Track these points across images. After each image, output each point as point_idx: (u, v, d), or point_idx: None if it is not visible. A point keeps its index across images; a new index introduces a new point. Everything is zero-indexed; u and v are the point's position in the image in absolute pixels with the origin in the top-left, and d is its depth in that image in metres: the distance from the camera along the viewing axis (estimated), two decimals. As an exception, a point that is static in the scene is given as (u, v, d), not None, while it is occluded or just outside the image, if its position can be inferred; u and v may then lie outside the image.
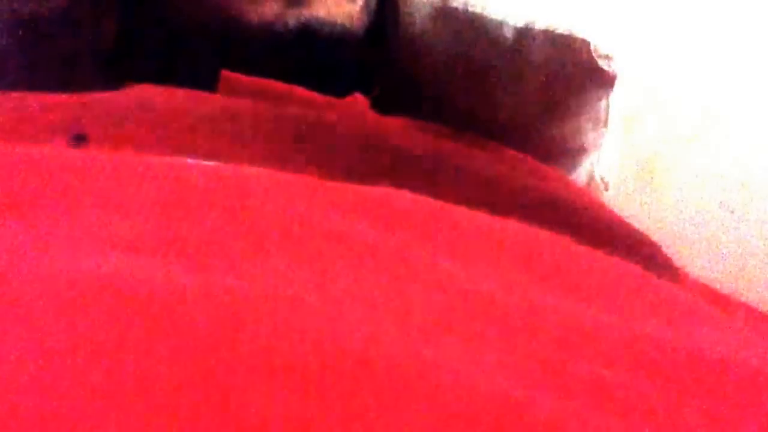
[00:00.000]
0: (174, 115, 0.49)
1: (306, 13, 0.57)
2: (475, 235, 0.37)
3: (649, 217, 0.68)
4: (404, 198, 0.39)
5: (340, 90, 0.59)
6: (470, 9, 0.64)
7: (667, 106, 0.95)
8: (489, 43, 0.63)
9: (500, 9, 0.63)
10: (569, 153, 0.68)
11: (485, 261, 0.35)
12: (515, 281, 0.33)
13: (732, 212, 0.93)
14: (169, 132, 0.46)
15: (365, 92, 0.62)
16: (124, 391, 0.20)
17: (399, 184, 0.44)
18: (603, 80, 0.63)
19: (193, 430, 0.20)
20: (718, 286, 0.61)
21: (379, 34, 0.66)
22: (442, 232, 0.36)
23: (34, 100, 0.49)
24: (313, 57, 0.57)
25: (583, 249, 0.41)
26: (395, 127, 0.59)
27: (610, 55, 0.62)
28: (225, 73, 0.55)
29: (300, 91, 0.56)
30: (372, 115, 0.60)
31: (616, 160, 0.75)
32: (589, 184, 0.72)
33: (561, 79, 0.62)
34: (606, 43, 0.62)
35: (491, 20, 0.63)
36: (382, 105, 0.63)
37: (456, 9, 0.64)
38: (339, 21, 0.59)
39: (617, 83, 0.64)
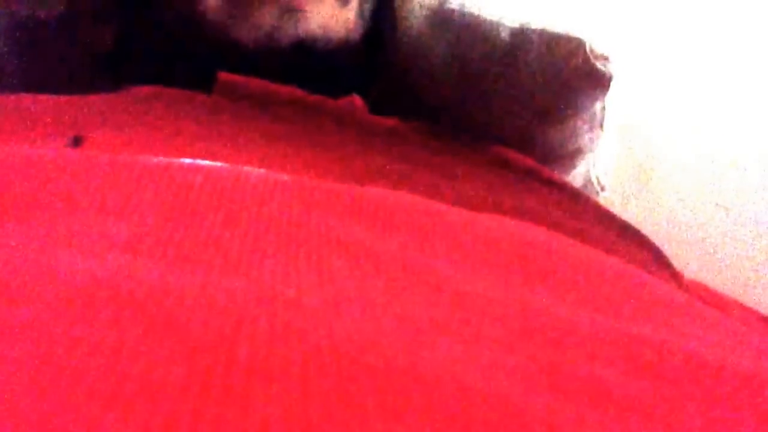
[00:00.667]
0: (171, 116, 0.49)
1: (301, 23, 0.57)
2: (472, 237, 0.37)
3: (645, 219, 0.68)
4: (401, 199, 0.39)
5: (337, 96, 0.59)
6: (466, 11, 0.64)
7: (663, 108, 0.96)
8: (485, 44, 0.63)
9: (496, 11, 0.63)
10: (565, 154, 0.68)
11: (482, 262, 0.35)
12: (512, 283, 0.33)
13: (728, 213, 0.93)
14: (166, 133, 0.46)
15: (362, 95, 0.62)
16: (124, 392, 0.20)
17: (396, 184, 0.45)
18: (599, 81, 0.63)
19: (193, 430, 0.20)
20: (714, 287, 0.61)
21: (375, 38, 0.66)
22: (439, 233, 0.36)
23: (32, 102, 0.49)
24: (309, 65, 0.57)
25: (580, 250, 0.41)
26: (392, 128, 0.59)
27: (606, 56, 0.62)
28: (221, 75, 0.55)
29: (296, 92, 0.56)
30: (369, 117, 0.60)
31: (613, 161, 0.75)
32: (585, 185, 0.72)
33: (557, 80, 0.62)
34: (602, 44, 0.62)
35: (487, 22, 0.63)
36: (379, 107, 0.63)
37: (452, 11, 0.64)
38: (334, 29, 0.59)
39: (613, 84, 0.64)
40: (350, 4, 0.61)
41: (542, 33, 0.62)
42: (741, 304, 0.59)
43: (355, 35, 0.61)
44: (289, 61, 0.57)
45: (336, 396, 0.21)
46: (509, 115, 0.64)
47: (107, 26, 0.65)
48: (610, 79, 0.63)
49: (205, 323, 0.23)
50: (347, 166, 0.47)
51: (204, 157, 0.39)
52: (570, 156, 0.68)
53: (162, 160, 0.36)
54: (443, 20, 0.64)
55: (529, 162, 0.62)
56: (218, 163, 0.38)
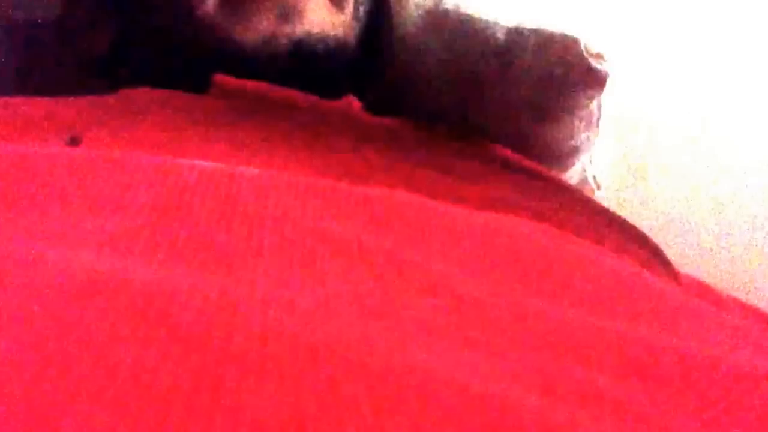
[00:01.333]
0: (167, 117, 0.49)
1: (298, 27, 0.57)
2: (468, 236, 0.37)
3: (641, 216, 0.68)
4: (398, 198, 0.39)
5: (333, 97, 0.59)
6: (461, 11, 0.64)
7: (659, 106, 0.96)
8: (480, 44, 0.63)
9: (491, 11, 0.64)
10: (561, 153, 0.68)
11: (478, 262, 0.35)
12: (507, 282, 0.33)
13: (724, 211, 0.93)
14: (163, 135, 0.46)
15: (358, 96, 0.62)
16: (114, 386, 0.20)
17: (393, 184, 0.45)
18: (595, 80, 0.63)
19: (186, 427, 0.20)
20: (711, 284, 0.61)
21: (371, 39, 0.66)
22: (435, 232, 0.36)
23: (27, 104, 0.49)
24: (306, 68, 0.57)
25: (576, 248, 0.41)
26: (389, 128, 0.60)
27: (601, 54, 0.62)
28: (218, 77, 0.55)
29: (292, 93, 0.56)
30: (365, 117, 0.60)
31: (609, 159, 0.75)
32: (581, 183, 0.72)
33: (552, 79, 0.62)
34: (597, 42, 0.62)
35: (482, 22, 0.63)
36: (376, 108, 0.63)
37: (447, 12, 0.64)
38: (330, 33, 0.59)
39: (609, 83, 0.64)
40: (346, 8, 0.61)
41: (537, 32, 0.62)
42: (738, 301, 0.59)
43: (351, 38, 0.61)
44: (286, 63, 0.57)
45: (329, 392, 0.21)
46: (505, 114, 0.64)
47: (103, 30, 0.65)
48: (605, 77, 0.63)
49: (198, 319, 0.23)
50: (344, 166, 0.47)
51: (201, 159, 0.39)
52: (566, 154, 0.68)
53: (156, 158, 0.36)
54: (438, 20, 0.64)
55: (525, 161, 0.62)
56: (214, 163, 0.38)
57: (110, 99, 0.52)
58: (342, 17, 0.60)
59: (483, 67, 0.63)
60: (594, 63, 0.62)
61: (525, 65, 0.62)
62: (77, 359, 0.21)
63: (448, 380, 0.23)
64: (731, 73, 0.95)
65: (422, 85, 0.66)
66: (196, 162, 0.37)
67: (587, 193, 0.71)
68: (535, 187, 0.55)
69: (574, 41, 0.61)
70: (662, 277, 0.49)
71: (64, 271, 0.25)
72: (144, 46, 0.62)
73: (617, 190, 0.88)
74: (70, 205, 0.32)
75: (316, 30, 0.57)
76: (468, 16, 0.64)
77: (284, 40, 0.56)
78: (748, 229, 0.93)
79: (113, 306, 0.23)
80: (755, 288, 0.88)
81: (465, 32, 0.63)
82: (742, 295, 0.60)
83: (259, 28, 0.56)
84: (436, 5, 0.65)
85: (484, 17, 0.63)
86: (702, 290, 0.58)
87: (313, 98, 0.57)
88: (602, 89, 0.64)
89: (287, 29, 0.56)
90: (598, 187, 0.73)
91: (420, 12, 0.65)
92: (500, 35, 0.63)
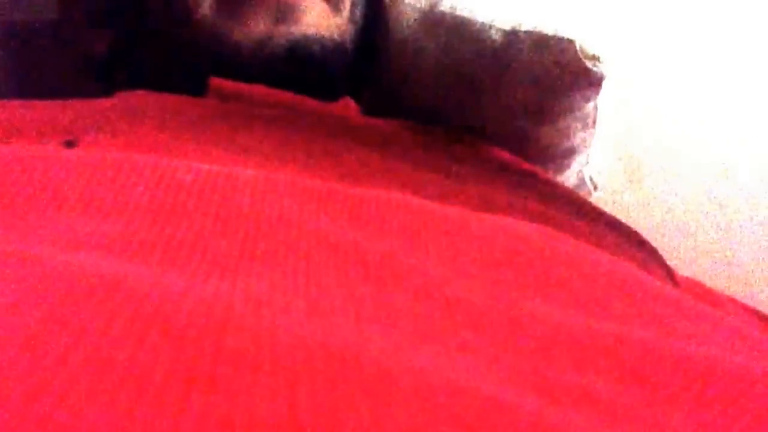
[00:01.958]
0: (165, 120, 0.49)
1: (294, 29, 0.57)
2: (464, 237, 0.37)
3: (638, 217, 0.68)
4: (394, 200, 0.39)
5: (329, 99, 0.59)
6: (457, 13, 0.64)
7: (656, 108, 0.96)
8: (477, 46, 0.63)
9: (488, 12, 0.64)
10: (558, 154, 0.68)
11: (473, 263, 0.35)
12: (503, 284, 0.33)
13: (721, 212, 0.93)
14: (160, 138, 0.46)
15: (355, 97, 0.62)
16: (108, 381, 0.20)
17: (389, 185, 0.45)
18: (591, 81, 0.63)
19: (179, 426, 0.20)
20: (708, 285, 0.61)
21: (367, 41, 0.66)
22: (431, 234, 0.36)
23: (25, 106, 0.49)
24: (302, 70, 0.57)
25: (572, 248, 0.41)
26: (385, 129, 0.60)
27: (597, 55, 0.62)
28: (214, 80, 0.55)
29: (289, 95, 0.56)
30: (362, 119, 0.60)
31: (606, 160, 0.75)
32: (578, 184, 0.72)
33: (549, 81, 0.62)
34: (593, 43, 0.62)
35: (479, 23, 0.63)
36: (372, 109, 0.63)
37: (444, 13, 0.64)
38: (326, 35, 0.59)
39: (605, 84, 0.64)
40: (342, 10, 0.61)
41: (534, 34, 0.62)
42: (736, 302, 0.59)
43: (347, 40, 0.62)
44: (283, 65, 0.57)
45: (324, 392, 0.21)
46: (502, 115, 0.64)
47: (101, 33, 0.65)
48: (602, 79, 0.63)
49: (192, 319, 0.23)
50: (340, 168, 0.47)
51: (197, 161, 0.39)
52: (563, 155, 0.68)
53: (152, 159, 0.36)
54: (434, 22, 0.64)
55: (522, 162, 0.62)
56: (211, 165, 0.38)
57: (107, 102, 0.52)
58: (338, 19, 0.60)
59: (479, 68, 0.63)
60: (590, 65, 0.62)
61: (521, 67, 0.62)
62: (71, 358, 0.21)
63: (444, 382, 0.23)
64: (729, 75, 0.95)
65: (418, 87, 0.66)
66: (193, 164, 0.37)
67: (584, 194, 0.71)
68: (531, 189, 0.55)
69: (570, 43, 0.61)
70: (659, 279, 0.49)
71: (59, 271, 0.25)
72: (141, 49, 0.63)
73: (614, 191, 0.89)
74: (66, 206, 0.32)
75: (312, 32, 0.58)
76: (464, 18, 0.64)
77: (281, 41, 0.56)
78: (746, 230, 0.93)
79: (108, 306, 0.23)
80: (753, 289, 0.88)
81: (461, 34, 0.63)
82: (739, 297, 0.60)
83: (255, 29, 0.56)
84: (432, 7, 0.65)
85: (480, 19, 0.63)
86: (700, 291, 0.58)
87: (310, 100, 0.57)
88: (599, 91, 0.64)
89: (283, 30, 0.56)
90: (595, 189, 0.73)
91: (416, 14, 0.65)
92: (496, 37, 0.63)
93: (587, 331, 0.30)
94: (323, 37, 0.58)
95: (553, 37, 0.61)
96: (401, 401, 0.22)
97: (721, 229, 0.93)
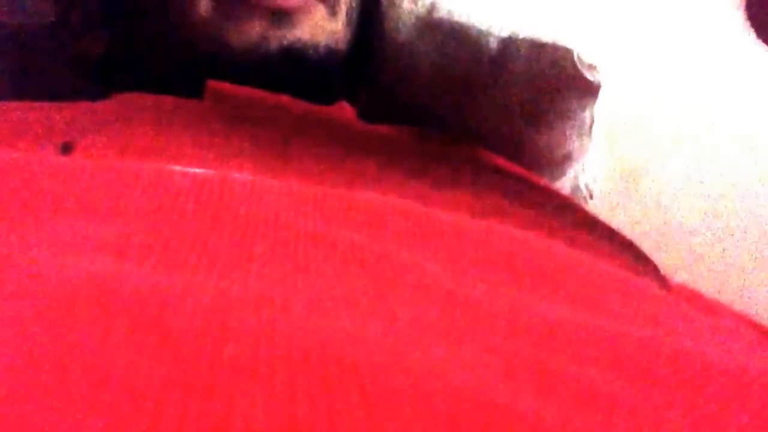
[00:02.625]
0: (161, 123, 0.49)
1: (289, 32, 0.57)
2: (460, 239, 0.37)
3: (633, 226, 0.68)
4: (390, 203, 0.39)
5: (325, 104, 0.59)
6: (454, 19, 0.64)
7: (652, 114, 0.96)
8: (473, 52, 0.63)
9: (484, 19, 0.64)
10: (554, 162, 0.68)
11: (470, 265, 0.35)
12: (500, 284, 0.34)
13: (716, 220, 0.94)
14: (156, 140, 0.46)
15: (351, 102, 0.62)
16: (107, 391, 0.20)
17: (385, 190, 0.45)
18: (587, 89, 0.63)
19: (176, 429, 0.20)
20: (703, 293, 0.61)
21: (363, 45, 0.66)
22: (428, 236, 0.36)
23: (21, 108, 0.49)
24: (297, 76, 0.57)
25: (568, 253, 0.41)
26: (381, 134, 0.60)
27: (594, 64, 0.63)
28: (211, 83, 0.55)
29: (285, 99, 0.56)
30: (358, 123, 0.60)
31: (601, 168, 0.75)
32: (573, 192, 0.72)
33: (545, 89, 0.62)
34: (590, 52, 0.63)
35: (475, 30, 0.63)
36: (368, 114, 0.63)
37: (441, 19, 0.64)
38: (322, 40, 0.59)
39: (601, 92, 0.64)
40: (339, 15, 0.61)
41: (530, 42, 0.62)
42: (731, 310, 0.59)
43: (343, 44, 0.62)
44: (277, 68, 0.57)
45: (321, 394, 0.21)
46: (497, 121, 0.65)
47: (98, 35, 0.65)
48: (598, 87, 0.63)
49: (190, 324, 0.23)
50: (337, 172, 0.47)
51: (194, 165, 0.39)
52: (558, 163, 0.68)
53: (149, 164, 0.36)
54: (431, 28, 0.64)
55: (518, 169, 0.62)
56: (207, 169, 0.38)
57: (104, 104, 0.52)
58: (334, 24, 0.60)
59: (475, 74, 0.63)
60: (586, 73, 0.62)
61: (518, 74, 0.63)
62: (70, 364, 0.21)
63: (442, 381, 0.23)
64: (725, 81, 0.95)
65: (415, 92, 0.66)
66: (189, 167, 0.37)
67: (579, 201, 0.71)
68: (526, 196, 0.55)
69: (567, 51, 0.61)
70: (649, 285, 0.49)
71: (57, 276, 0.25)
72: (138, 51, 0.62)
73: (610, 198, 0.89)
74: (63, 211, 0.32)
75: (307, 36, 0.57)
76: (461, 24, 0.64)
77: (275, 45, 0.56)
78: (741, 236, 0.93)
79: (106, 311, 0.23)
80: (748, 295, 0.88)
81: (458, 40, 0.63)
82: (734, 303, 0.60)
83: (250, 32, 0.56)
84: (430, 13, 0.65)
85: (477, 25, 0.64)
86: (693, 299, 0.58)
87: (307, 104, 0.57)
88: (595, 99, 0.65)
89: (279, 34, 0.56)
90: (591, 196, 0.73)
91: (413, 19, 0.65)
92: (493, 44, 0.63)
93: (584, 327, 0.30)
94: (318, 41, 0.58)
95: (550, 45, 0.61)
96: (398, 406, 0.22)
97: (717, 238, 0.93)
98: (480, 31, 0.63)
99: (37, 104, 0.50)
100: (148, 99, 0.53)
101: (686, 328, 0.35)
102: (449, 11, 0.64)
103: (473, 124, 0.65)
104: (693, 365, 0.29)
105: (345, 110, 0.60)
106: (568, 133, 0.66)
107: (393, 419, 0.21)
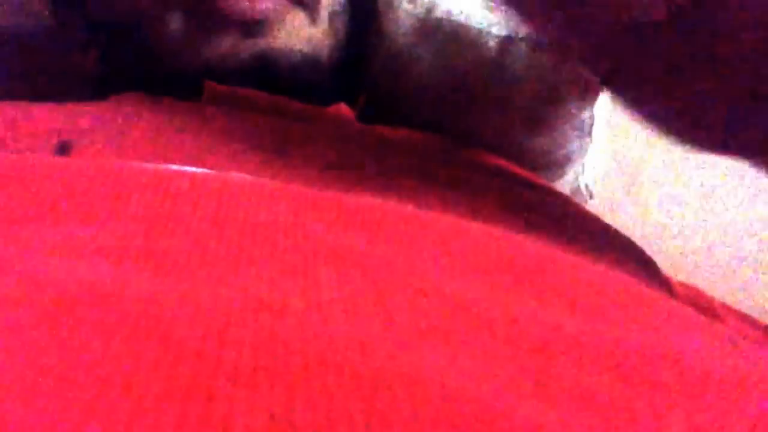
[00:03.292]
0: (159, 124, 0.49)
1: (262, 43, 0.56)
2: (460, 243, 0.37)
3: (633, 226, 0.68)
4: (389, 207, 0.39)
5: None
6: (453, 20, 0.64)
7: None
8: (473, 52, 0.63)
9: (483, 19, 0.64)
10: (554, 162, 0.68)
11: (470, 268, 0.35)
12: (500, 288, 0.33)
13: (718, 220, 0.94)
14: (154, 141, 0.46)
15: (349, 104, 0.62)
16: (107, 398, 0.20)
17: (384, 192, 0.45)
18: (587, 90, 0.63)
19: None
20: (705, 292, 0.61)
21: (361, 48, 0.66)
22: (428, 240, 0.36)
23: (18, 109, 0.49)
24: (272, 84, 0.57)
25: (568, 257, 0.41)
26: (380, 136, 0.60)
27: (593, 64, 0.62)
28: (209, 84, 0.55)
29: (284, 100, 0.56)
30: (357, 125, 0.60)
31: (601, 169, 0.75)
32: (574, 192, 0.72)
33: (545, 89, 0.63)
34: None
35: (475, 30, 0.63)
36: (367, 116, 0.63)
37: (440, 20, 0.64)
38: (299, 48, 0.58)
39: (601, 92, 0.64)
40: (319, 21, 0.60)
41: (530, 41, 0.62)
42: (732, 309, 0.59)
43: (324, 50, 0.61)
44: (251, 78, 0.56)
45: (320, 400, 0.21)
46: (497, 122, 0.65)
47: (95, 38, 0.65)
48: (598, 87, 0.63)
49: (190, 329, 0.23)
50: (337, 174, 0.47)
51: (192, 165, 0.39)
52: (558, 163, 0.68)
53: (148, 166, 0.36)
54: (430, 29, 0.64)
55: (517, 169, 0.62)
56: (206, 170, 0.38)
57: (101, 105, 0.52)
58: (314, 30, 0.60)
59: (475, 75, 0.63)
60: (586, 73, 0.62)
61: (517, 75, 0.63)
62: (70, 370, 0.21)
63: (441, 387, 0.23)
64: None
65: (414, 93, 0.66)
66: (188, 169, 0.37)
67: (579, 202, 0.71)
68: (526, 197, 0.55)
69: (567, 50, 0.61)
70: (656, 290, 0.49)
71: (56, 281, 0.25)
72: (127, 61, 0.62)
73: (610, 199, 0.89)
74: (61, 215, 0.32)
75: (281, 44, 0.57)
76: (460, 24, 0.64)
77: (246, 54, 0.56)
78: (742, 237, 0.93)
79: (106, 316, 0.23)
80: (749, 296, 0.88)
81: (457, 40, 0.63)
82: (735, 303, 0.60)
83: (223, 43, 0.56)
84: (428, 13, 0.65)
85: (476, 26, 0.64)
86: (696, 298, 0.58)
87: (305, 106, 0.57)
88: (595, 99, 0.65)
89: (250, 44, 0.56)
90: (591, 197, 0.73)
91: (411, 20, 0.65)
92: (492, 44, 0.63)
93: (585, 332, 0.30)
94: (293, 48, 0.58)
95: (550, 45, 0.61)
96: (398, 411, 0.22)
97: (719, 237, 0.93)
98: (479, 32, 0.63)
99: (34, 104, 0.50)
100: (146, 100, 0.53)
101: (687, 333, 0.35)
102: (448, 12, 0.64)
103: (473, 125, 0.65)
104: (694, 371, 0.29)
105: (343, 113, 0.60)
106: (568, 134, 0.66)
107: (392, 424, 0.21)
